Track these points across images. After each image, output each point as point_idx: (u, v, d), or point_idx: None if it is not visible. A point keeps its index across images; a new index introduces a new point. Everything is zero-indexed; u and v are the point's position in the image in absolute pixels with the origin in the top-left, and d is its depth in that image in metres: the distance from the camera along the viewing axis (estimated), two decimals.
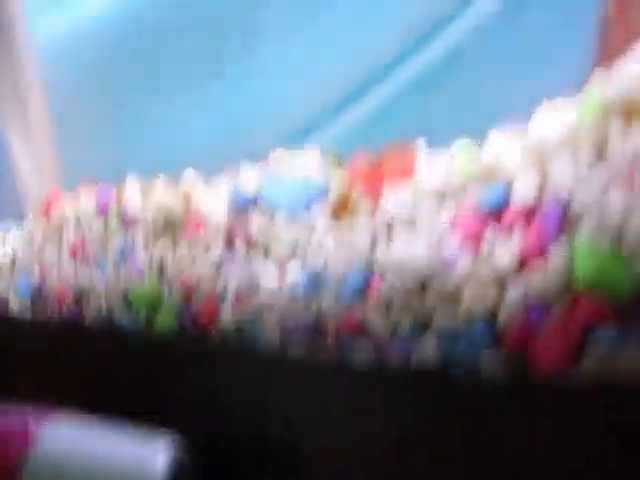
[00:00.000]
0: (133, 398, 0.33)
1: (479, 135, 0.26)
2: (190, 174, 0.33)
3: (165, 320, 0.33)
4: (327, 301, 0.27)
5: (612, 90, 0.22)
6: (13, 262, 0.44)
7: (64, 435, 0.29)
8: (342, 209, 0.27)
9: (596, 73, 0.23)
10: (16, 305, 0.43)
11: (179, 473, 0.27)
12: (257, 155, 0.31)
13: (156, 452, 0.27)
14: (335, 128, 0.39)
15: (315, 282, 0.28)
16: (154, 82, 0.43)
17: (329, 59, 0.38)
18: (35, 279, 0.42)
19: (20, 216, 0.49)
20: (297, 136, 0.40)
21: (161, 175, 0.35)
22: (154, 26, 0.41)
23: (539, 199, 0.23)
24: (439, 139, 0.27)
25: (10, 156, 0.58)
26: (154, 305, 0.34)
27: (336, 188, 0.27)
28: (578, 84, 0.24)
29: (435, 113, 0.33)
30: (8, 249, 0.44)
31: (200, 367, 0.31)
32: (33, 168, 0.56)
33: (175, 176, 0.35)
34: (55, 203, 0.41)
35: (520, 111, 0.24)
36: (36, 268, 0.42)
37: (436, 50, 0.34)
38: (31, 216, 0.43)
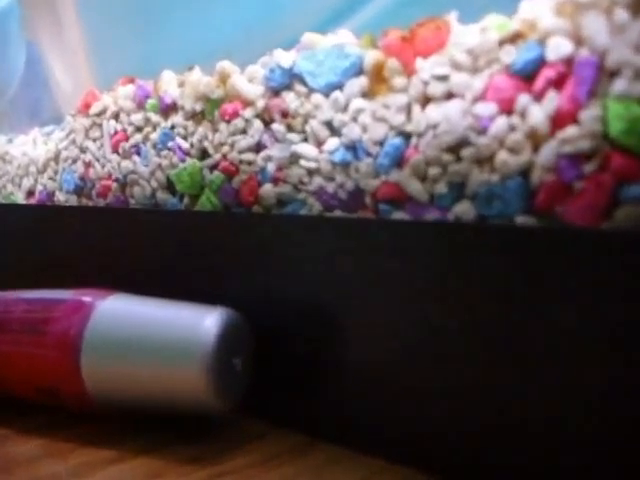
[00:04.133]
0: (182, 276, 0.35)
1: (514, 7, 0.26)
2: (226, 62, 0.34)
3: (208, 200, 0.35)
4: (364, 169, 0.28)
5: None
6: (57, 157, 0.45)
7: (120, 305, 0.31)
8: (377, 82, 0.28)
9: None
10: (62, 197, 0.45)
11: (231, 334, 0.29)
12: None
13: (208, 316, 0.29)
14: (363, 16, 0.39)
15: (352, 152, 0.29)
16: None
17: None
18: (79, 172, 0.43)
19: (58, 120, 0.50)
20: (326, 25, 0.40)
21: (196, 65, 0.35)
22: None
23: (573, 56, 0.23)
24: (471, 13, 0.27)
25: (46, 63, 0.59)
26: (197, 188, 0.35)
27: (370, 60, 0.28)
28: None
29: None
30: (51, 146, 0.46)
31: (244, 240, 0.32)
32: (68, 73, 0.57)
33: (210, 67, 0.35)
34: (93, 101, 0.42)
35: None
36: (79, 162, 0.43)
37: None
38: (71, 115, 0.44)
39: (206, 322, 0.29)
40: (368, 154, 0.28)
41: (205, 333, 0.29)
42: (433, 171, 0.27)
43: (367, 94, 0.28)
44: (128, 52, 0.52)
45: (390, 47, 0.28)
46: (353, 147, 0.29)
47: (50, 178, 0.46)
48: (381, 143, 0.28)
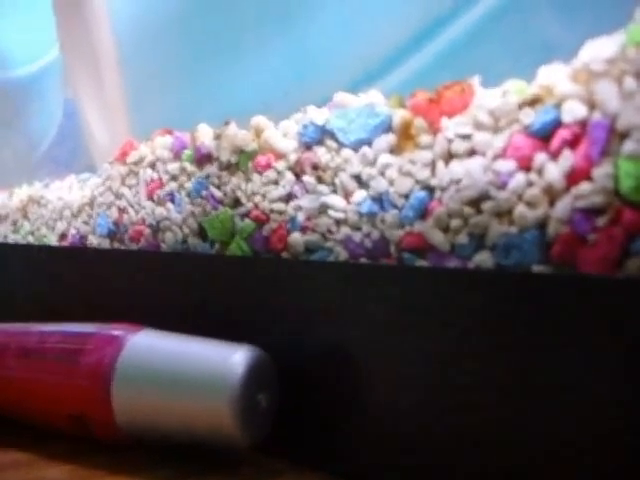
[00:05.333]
0: (211, 319, 0.37)
1: (533, 72, 0.28)
2: (261, 118, 0.36)
3: (238, 247, 0.37)
4: (390, 220, 0.30)
5: None
6: (92, 203, 0.48)
7: (150, 340, 0.33)
8: (404, 139, 0.30)
9: None
10: (94, 241, 0.47)
11: (257, 371, 0.30)
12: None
13: (235, 352, 0.30)
14: (392, 79, 0.42)
15: (378, 204, 0.31)
16: (220, 39, 0.46)
17: (383, 13, 0.41)
18: (113, 218, 0.45)
19: (93, 169, 0.53)
20: (358, 85, 0.43)
21: (232, 120, 0.38)
22: None
23: (587, 118, 0.26)
24: (493, 76, 0.29)
25: (81, 114, 0.62)
26: (228, 235, 0.37)
27: (398, 119, 0.30)
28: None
29: (490, 61, 0.36)
30: (87, 192, 0.48)
31: (273, 286, 0.34)
32: (106, 127, 0.60)
33: (244, 122, 0.38)
34: (131, 150, 0.45)
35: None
36: (114, 208, 0.45)
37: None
38: (108, 163, 0.47)
39: (234, 358, 0.30)
40: (394, 206, 0.30)
41: (232, 369, 0.30)
42: (455, 223, 0.28)
43: (394, 150, 0.31)
44: (166, 105, 0.55)
45: (417, 107, 0.30)
46: (380, 199, 0.31)
47: (84, 222, 0.48)
48: (406, 196, 0.30)
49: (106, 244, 0.46)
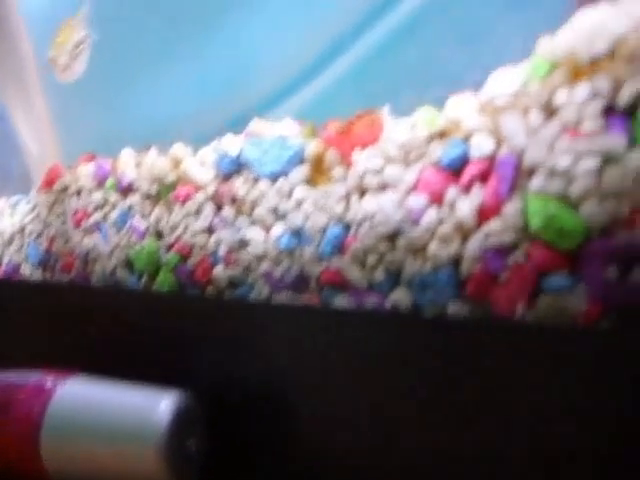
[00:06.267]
0: (138, 353, 0.36)
1: (440, 101, 0.27)
2: (179, 145, 0.35)
3: (164, 279, 0.36)
4: (308, 255, 0.29)
5: (558, 49, 0.23)
6: (22, 231, 0.46)
7: (78, 389, 0.32)
8: (318, 172, 0.29)
9: (544, 34, 0.24)
10: (27, 270, 0.46)
11: (184, 417, 0.30)
12: (232, 122, 0.33)
13: (162, 399, 0.30)
14: (303, 96, 0.41)
15: (296, 239, 0.30)
16: (138, 57, 0.45)
17: (294, 30, 0.39)
18: (43, 246, 0.44)
19: (29, 189, 0.51)
20: (268, 105, 0.42)
21: (152, 146, 0.37)
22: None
23: (494, 154, 0.25)
24: (401, 105, 0.29)
25: (14, 122, 0.60)
26: (154, 267, 0.36)
27: (311, 151, 0.29)
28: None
29: (397, 80, 0.35)
30: (17, 219, 0.47)
31: (198, 320, 0.33)
32: (36, 144, 0.58)
33: (164, 145, 0.37)
34: (57, 177, 0.43)
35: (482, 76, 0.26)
36: (44, 237, 0.44)
37: (397, 17, 0.36)
38: (35, 190, 0.45)
39: (161, 405, 0.30)
40: (311, 241, 0.29)
41: (160, 416, 0.29)
42: (371, 259, 0.28)
43: (309, 182, 0.30)
44: (92, 120, 0.53)
45: (329, 139, 0.29)
46: (298, 233, 0.30)
47: (16, 251, 0.47)
48: (323, 230, 0.29)
49: (39, 274, 0.44)
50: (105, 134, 0.47)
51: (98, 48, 0.40)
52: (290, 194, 0.30)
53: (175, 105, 0.42)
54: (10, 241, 0.47)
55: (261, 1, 0.39)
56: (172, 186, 0.35)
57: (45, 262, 0.44)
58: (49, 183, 0.44)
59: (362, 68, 0.37)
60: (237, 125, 0.34)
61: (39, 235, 0.44)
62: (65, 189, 0.42)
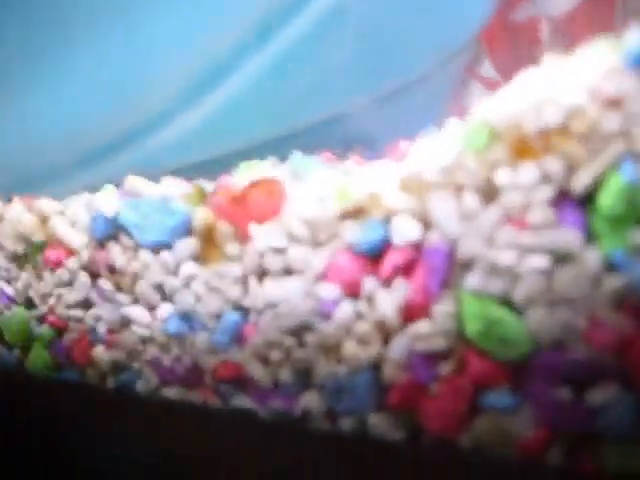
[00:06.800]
0: (10, 441, 0.30)
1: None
2: (44, 201, 0.29)
3: (39, 356, 0.30)
4: (201, 344, 0.24)
5: (499, 118, 0.19)
6: None
7: None
8: (209, 246, 0.24)
9: (483, 98, 0.19)
10: None
11: None
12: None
13: None
14: (185, 122, 0.35)
15: (187, 323, 0.25)
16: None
17: (169, 55, 0.34)
18: None
19: None
20: (141, 133, 0.36)
21: (14, 196, 0.31)
22: None
23: (421, 241, 0.20)
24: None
25: None
26: (27, 340, 0.31)
27: (199, 221, 0.24)
28: None
29: (287, 104, 0.31)
30: None
31: (78, 409, 0.28)
32: None
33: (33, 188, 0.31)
34: None
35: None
36: None
37: (286, 39, 0.32)
38: None
39: None
40: (204, 327, 0.24)
41: None
42: (275, 355, 0.23)
43: (199, 258, 0.24)
44: None
45: (220, 208, 0.24)
46: (188, 317, 0.25)
47: None
48: (218, 316, 0.24)
49: None
50: None
51: None
52: (177, 270, 0.25)
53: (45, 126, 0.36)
54: None
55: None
56: (41, 247, 0.29)
57: None
58: None
59: (263, 85, 0.32)
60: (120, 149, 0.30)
61: None
62: None
